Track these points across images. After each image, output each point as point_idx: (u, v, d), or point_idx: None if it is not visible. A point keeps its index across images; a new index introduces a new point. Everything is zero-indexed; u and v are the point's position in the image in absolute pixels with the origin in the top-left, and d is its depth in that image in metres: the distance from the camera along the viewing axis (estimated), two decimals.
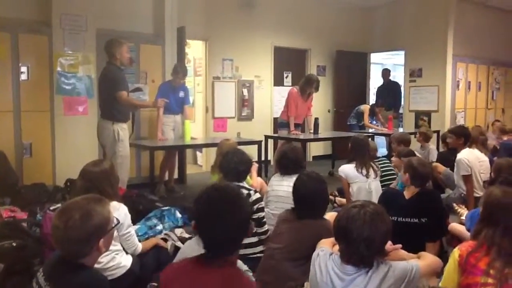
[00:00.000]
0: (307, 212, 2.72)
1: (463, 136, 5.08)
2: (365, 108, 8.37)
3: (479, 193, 4.62)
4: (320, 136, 7.24)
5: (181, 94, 6.20)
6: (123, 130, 4.96)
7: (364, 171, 4.18)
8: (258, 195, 3.18)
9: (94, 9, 5.96)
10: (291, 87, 7.17)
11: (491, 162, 4.74)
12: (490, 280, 1.94)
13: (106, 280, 1.85)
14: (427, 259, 2.28)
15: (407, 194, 3.25)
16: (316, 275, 2.02)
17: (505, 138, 6.88)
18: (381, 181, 4.47)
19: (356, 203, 1.98)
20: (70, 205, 1.78)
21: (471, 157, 4.79)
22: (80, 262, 1.71)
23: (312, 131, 7.03)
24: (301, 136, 6.68)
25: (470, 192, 4.67)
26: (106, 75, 4.98)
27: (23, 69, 5.59)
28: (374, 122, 8.47)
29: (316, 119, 7.03)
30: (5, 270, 2.96)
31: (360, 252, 1.86)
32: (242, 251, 2.76)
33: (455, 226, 3.45)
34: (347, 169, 4.27)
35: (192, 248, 2.24)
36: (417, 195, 3.19)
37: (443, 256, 2.87)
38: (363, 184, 4.15)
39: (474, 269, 1.99)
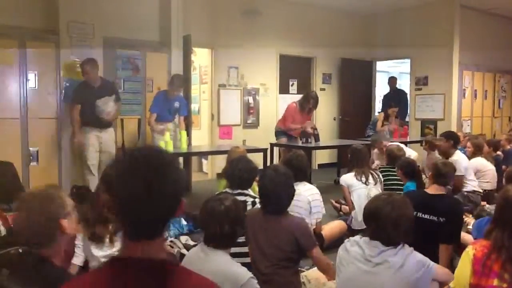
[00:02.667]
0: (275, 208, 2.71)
1: (451, 139, 5.59)
2: (379, 116, 8.42)
3: (479, 189, 5.25)
4: (325, 144, 7.23)
5: (176, 104, 6.09)
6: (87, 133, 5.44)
7: (363, 178, 4.32)
8: None
9: (101, 17, 6.02)
10: (291, 101, 7.16)
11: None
12: (505, 285, 1.86)
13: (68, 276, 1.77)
14: (440, 268, 2.42)
15: (430, 191, 3.34)
16: (341, 257, 2.23)
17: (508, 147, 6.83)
18: (388, 189, 4.49)
19: (383, 193, 2.25)
20: (27, 196, 1.81)
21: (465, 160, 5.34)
22: (44, 255, 1.69)
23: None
24: (303, 143, 6.65)
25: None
26: None
27: (31, 76, 5.64)
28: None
29: (315, 129, 7.02)
30: None
31: (388, 232, 2.11)
32: (246, 259, 2.77)
33: (462, 235, 3.42)
34: (347, 178, 4.44)
35: (198, 255, 2.24)
36: (442, 195, 3.29)
37: (451, 264, 2.86)
38: (362, 191, 4.26)
39: (489, 272, 1.91)
